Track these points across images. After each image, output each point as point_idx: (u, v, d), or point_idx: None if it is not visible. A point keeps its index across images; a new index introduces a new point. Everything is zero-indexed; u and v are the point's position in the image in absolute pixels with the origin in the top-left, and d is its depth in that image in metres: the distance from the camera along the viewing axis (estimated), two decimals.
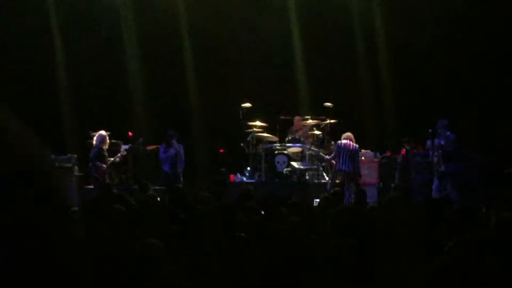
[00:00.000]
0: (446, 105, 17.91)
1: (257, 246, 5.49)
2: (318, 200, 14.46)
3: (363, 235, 4.98)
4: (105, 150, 15.74)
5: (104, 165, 15.61)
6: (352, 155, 15.35)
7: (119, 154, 15.95)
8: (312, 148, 17.00)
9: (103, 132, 15.70)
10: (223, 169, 17.82)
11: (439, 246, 5.77)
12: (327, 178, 16.72)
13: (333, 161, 16.12)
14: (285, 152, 17.08)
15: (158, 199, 11.82)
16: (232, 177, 17.50)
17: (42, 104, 18.95)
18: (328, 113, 17.15)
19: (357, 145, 15.47)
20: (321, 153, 16.74)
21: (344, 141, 15.36)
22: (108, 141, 15.76)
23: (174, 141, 16.18)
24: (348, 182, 15.01)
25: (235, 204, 9.14)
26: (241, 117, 17.31)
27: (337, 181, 15.61)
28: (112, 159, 15.83)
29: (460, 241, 5.52)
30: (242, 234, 5.49)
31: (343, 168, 15.21)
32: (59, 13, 19.19)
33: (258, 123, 17.25)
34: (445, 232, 6.25)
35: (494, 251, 5.36)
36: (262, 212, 8.61)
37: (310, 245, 5.19)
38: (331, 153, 15.91)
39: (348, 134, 15.58)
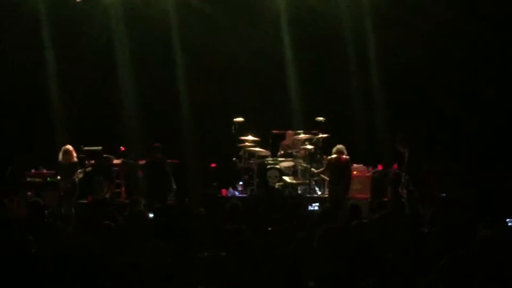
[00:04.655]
0: (439, 117, 17.98)
1: (244, 263, 5.46)
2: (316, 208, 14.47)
3: (348, 255, 4.95)
4: (61, 163, 15.63)
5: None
6: (342, 169, 15.28)
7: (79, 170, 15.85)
8: (302, 164, 16.93)
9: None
10: (215, 184, 17.77)
11: (428, 264, 5.75)
12: (319, 193, 16.68)
13: (324, 176, 16.09)
14: (277, 166, 17.01)
15: (151, 215, 11.80)
16: (224, 191, 17.44)
17: (35, 119, 18.95)
18: (321, 127, 17.11)
19: (348, 158, 15.43)
20: (312, 169, 16.65)
21: (334, 156, 15.35)
22: (61, 155, 15.65)
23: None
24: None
25: (223, 220, 9.10)
26: (233, 131, 17.26)
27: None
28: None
29: (453, 257, 5.49)
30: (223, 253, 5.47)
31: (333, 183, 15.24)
32: (50, 26, 19.18)
33: (250, 137, 17.21)
34: (431, 249, 6.23)
35: (482, 266, 5.35)
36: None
37: (297, 261, 5.16)
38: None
39: (339, 147, 15.48)
